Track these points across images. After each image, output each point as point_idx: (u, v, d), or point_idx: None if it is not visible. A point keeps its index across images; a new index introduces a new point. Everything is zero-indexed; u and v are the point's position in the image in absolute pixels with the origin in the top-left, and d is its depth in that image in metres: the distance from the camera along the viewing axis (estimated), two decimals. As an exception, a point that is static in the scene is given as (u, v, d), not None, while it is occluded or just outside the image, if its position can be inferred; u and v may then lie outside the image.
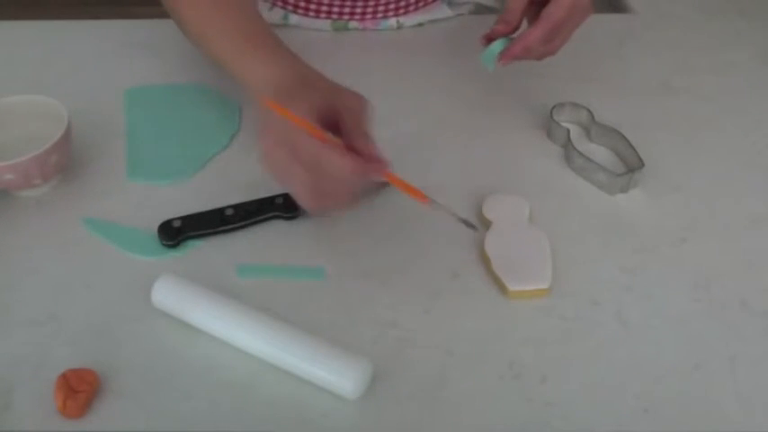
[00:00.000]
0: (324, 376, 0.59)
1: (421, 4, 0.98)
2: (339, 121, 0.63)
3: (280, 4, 0.96)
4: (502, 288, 0.67)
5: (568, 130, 0.80)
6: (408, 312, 0.65)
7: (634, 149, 0.77)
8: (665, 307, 0.67)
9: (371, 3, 0.95)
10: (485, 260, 0.69)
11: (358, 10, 0.95)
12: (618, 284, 0.68)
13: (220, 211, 0.71)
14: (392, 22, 0.97)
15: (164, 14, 0.80)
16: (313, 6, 0.95)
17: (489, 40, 0.76)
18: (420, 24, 0.98)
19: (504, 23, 0.75)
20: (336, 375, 0.58)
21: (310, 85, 0.66)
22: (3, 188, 0.72)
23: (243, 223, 0.71)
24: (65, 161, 0.74)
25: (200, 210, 0.72)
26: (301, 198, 0.62)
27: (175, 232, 0.69)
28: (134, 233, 0.71)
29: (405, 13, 0.97)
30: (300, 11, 0.96)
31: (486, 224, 0.71)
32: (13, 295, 0.66)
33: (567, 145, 0.79)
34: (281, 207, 0.72)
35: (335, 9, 0.95)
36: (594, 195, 0.76)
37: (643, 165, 0.75)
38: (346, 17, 0.96)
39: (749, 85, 0.91)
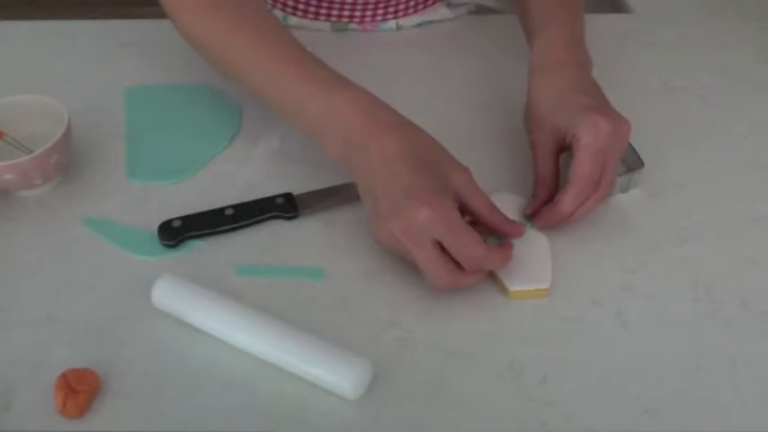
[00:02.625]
0: (323, 376, 0.59)
1: (420, 6, 0.98)
2: (460, 200, 0.64)
3: (279, 5, 0.96)
4: (502, 288, 0.67)
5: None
6: (408, 312, 0.65)
7: (634, 149, 0.77)
8: (665, 307, 0.67)
9: (371, 5, 0.95)
10: None
11: (357, 12, 0.95)
12: (618, 284, 0.68)
13: (220, 210, 0.71)
14: (391, 24, 0.97)
15: (164, 14, 0.80)
16: (312, 8, 0.95)
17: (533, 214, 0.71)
18: (419, 25, 0.98)
19: (539, 197, 0.71)
20: (336, 375, 0.58)
21: (424, 161, 0.63)
22: (3, 188, 0.72)
23: (243, 223, 0.71)
24: (65, 161, 0.74)
25: (200, 210, 0.72)
26: (435, 280, 0.63)
27: (175, 232, 0.69)
28: (134, 233, 0.71)
29: (404, 16, 0.97)
30: (299, 13, 0.96)
31: None
32: (13, 295, 0.66)
33: (567, 145, 0.79)
34: (281, 207, 0.72)
35: (335, 11, 0.95)
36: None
37: (643, 165, 0.75)
38: (345, 19, 0.96)
39: (749, 84, 0.91)
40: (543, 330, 0.64)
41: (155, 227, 0.70)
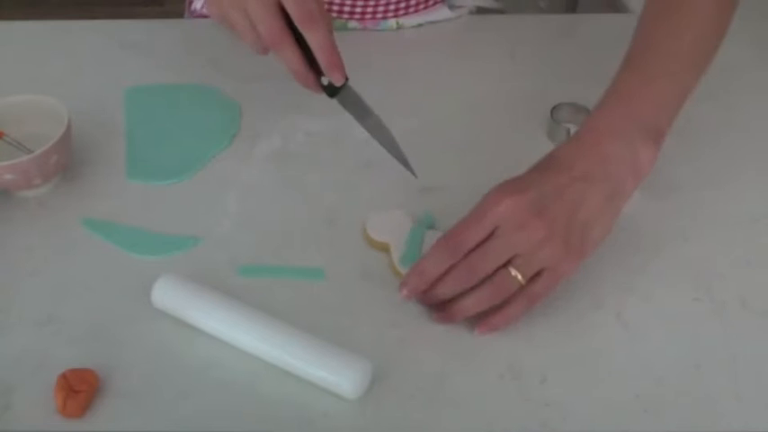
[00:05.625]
0: (324, 376, 0.59)
1: (421, 6, 0.98)
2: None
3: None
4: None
5: (568, 130, 0.80)
6: (408, 312, 0.65)
7: (634, 149, 0.77)
8: (665, 307, 0.67)
9: (371, 3, 0.95)
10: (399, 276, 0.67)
11: (358, 10, 0.95)
12: (618, 284, 0.68)
13: None
14: (392, 23, 0.97)
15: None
16: (313, 5, 0.95)
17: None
18: (420, 25, 0.98)
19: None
20: (336, 375, 0.58)
21: None
22: (3, 188, 0.72)
23: None
24: (65, 161, 0.74)
25: (199, 209, 0.71)
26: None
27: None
28: (134, 233, 0.71)
29: (405, 15, 0.97)
30: (300, 9, 0.95)
31: (384, 247, 0.69)
32: (13, 295, 0.66)
33: (567, 145, 0.79)
34: None
35: (335, 8, 0.95)
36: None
37: (643, 165, 0.75)
38: (346, 16, 0.96)
39: (749, 84, 0.91)
40: (543, 330, 0.64)
41: (155, 227, 0.70)
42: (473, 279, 0.61)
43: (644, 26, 0.72)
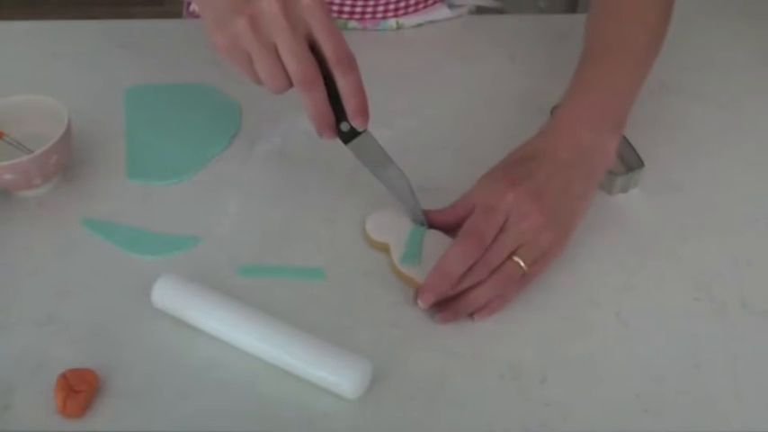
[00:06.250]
0: (324, 376, 0.59)
1: (421, 5, 0.98)
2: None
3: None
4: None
5: (568, 130, 0.80)
6: (408, 312, 0.65)
7: (634, 149, 0.77)
8: (665, 307, 0.67)
9: (371, 3, 0.95)
10: (405, 279, 0.67)
11: (358, 9, 0.95)
12: (618, 284, 0.68)
13: None
14: (392, 22, 0.97)
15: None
16: (313, 5, 0.95)
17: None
18: (419, 25, 0.98)
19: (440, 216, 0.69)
20: (336, 375, 0.58)
21: None
22: (3, 188, 0.72)
23: None
24: (65, 161, 0.74)
25: (200, 210, 0.71)
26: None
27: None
28: (134, 233, 0.71)
29: (405, 14, 0.97)
30: (299, 9, 0.95)
31: (384, 247, 0.69)
32: (13, 295, 0.66)
33: (567, 145, 0.79)
34: None
35: (335, 8, 0.95)
36: (594, 195, 0.76)
37: (643, 164, 0.75)
38: (346, 16, 0.96)
39: (749, 84, 0.91)
40: (543, 330, 0.64)
41: (155, 227, 0.70)
42: (488, 273, 0.64)
43: (596, 24, 0.77)
